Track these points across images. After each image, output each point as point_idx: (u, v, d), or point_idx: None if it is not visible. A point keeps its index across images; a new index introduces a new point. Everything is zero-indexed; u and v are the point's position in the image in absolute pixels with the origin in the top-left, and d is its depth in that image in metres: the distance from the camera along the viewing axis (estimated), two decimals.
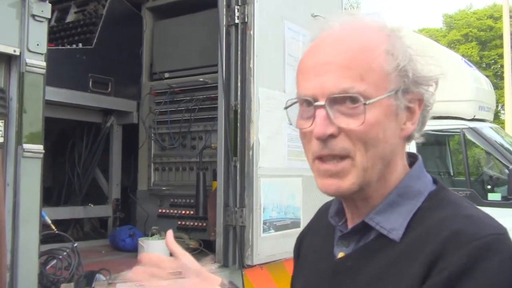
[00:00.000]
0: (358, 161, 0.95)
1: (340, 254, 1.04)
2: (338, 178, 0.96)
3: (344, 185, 0.96)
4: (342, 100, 0.94)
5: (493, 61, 31.54)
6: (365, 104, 0.92)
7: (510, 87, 16.65)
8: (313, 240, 1.19)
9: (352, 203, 1.04)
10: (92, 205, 3.82)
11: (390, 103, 0.95)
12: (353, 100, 0.93)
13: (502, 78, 22.64)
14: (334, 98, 0.94)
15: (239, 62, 3.03)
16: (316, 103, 0.95)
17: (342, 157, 0.96)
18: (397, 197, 0.99)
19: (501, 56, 23.88)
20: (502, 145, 6.70)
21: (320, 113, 0.94)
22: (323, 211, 1.21)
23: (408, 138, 1.01)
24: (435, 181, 1.04)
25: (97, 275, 1.12)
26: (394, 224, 0.97)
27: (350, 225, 1.06)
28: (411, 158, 1.06)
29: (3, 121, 1.99)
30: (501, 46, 21.61)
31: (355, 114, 0.93)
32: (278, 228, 3.10)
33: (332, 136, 0.94)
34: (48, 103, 2.22)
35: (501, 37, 21.65)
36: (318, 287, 1.07)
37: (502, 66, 23.95)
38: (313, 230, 1.23)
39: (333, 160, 0.96)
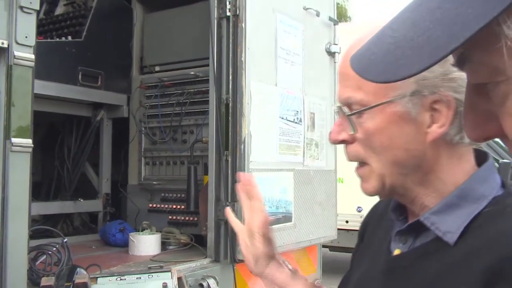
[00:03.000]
0: (373, 166, 0.97)
1: (397, 251, 1.02)
2: (364, 181, 1.00)
3: (368, 188, 0.99)
4: (349, 109, 0.98)
5: None
6: (358, 112, 0.94)
7: None
8: (376, 228, 1.17)
9: (403, 202, 1.03)
10: (82, 200, 3.79)
11: (396, 109, 0.93)
12: (352, 109, 0.97)
13: None
14: (341, 107, 0.98)
15: (230, 55, 3.00)
16: (334, 110, 1.02)
17: (361, 162, 0.99)
18: (457, 199, 0.95)
19: None
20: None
21: (337, 119, 1.01)
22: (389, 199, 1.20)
23: (449, 141, 0.94)
24: (503, 185, 0.98)
25: (78, 269, 1.11)
26: (450, 227, 0.93)
27: (409, 221, 1.03)
28: (482, 158, 1.01)
29: None
30: None
31: (357, 123, 0.95)
32: (270, 223, 3.08)
33: (346, 142, 0.98)
34: (37, 97, 2.19)
35: None
36: (371, 280, 1.05)
37: None
38: (377, 218, 1.20)
39: (359, 164, 1.01)
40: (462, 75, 0.87)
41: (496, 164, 6.18)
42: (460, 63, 0.56)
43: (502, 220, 0.90)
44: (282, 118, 3.28)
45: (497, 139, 0.56)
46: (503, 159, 6.15)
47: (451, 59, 0.53)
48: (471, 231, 0.92)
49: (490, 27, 0.46)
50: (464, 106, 0.60)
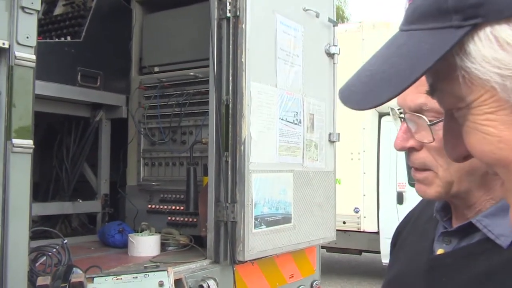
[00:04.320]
0: (440, 175, 0.96)
1: (440, 251, 1.01)
2: (425, 185, 0.99)
3: (430, 192, 0.98)
4: (420, 115, 0.95)
5: None
6: (434, 122, 0.92)
7: None
8: (411, 232, 1.17)
9: (456, 204, 1.02)
10: (80, 201, 3.78)
11: None
12: (426, 115, 0.94)
13: None
14: (412, 113, 0.96)
15: (230, 56, 3.00)
16: (400, 116, 0.98)
17: (425, 169, 0.98)
18: None
19: None
20: None
21: (403, 126, 0.98)
22: (425, 204, 1.19)
23: None
24: None
25: (74, 269, 1.11)
26: (504, 230, 0.92)
27: (454, 223, 1.02)
28: None
29: None
30: None
31: (434, 130, 0.93)
32: (269, 224, 3.08)
33: (414, 149, 0.97)
34: (36, 97, 2.18)
35: None
36: (412, 281, 1.05)
37: None
38: (413, 223, 1.20)
39: (419, 169, 0.99)
40: None
41: None
42: (431, 92, 0.63)
43: None
44: (282, 119, 3.28)
45: None
46: None
47: None
48: None
49: (446, 59, 0.54)
50: (443, 130, 0.66)
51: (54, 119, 3.88)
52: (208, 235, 3.00)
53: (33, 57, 2.09)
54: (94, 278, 1.04)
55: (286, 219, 3.23)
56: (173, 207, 3.58)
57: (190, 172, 3.39)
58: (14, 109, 2.02)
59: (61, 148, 3.91)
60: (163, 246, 3.29)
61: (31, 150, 2.06)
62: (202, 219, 3.19)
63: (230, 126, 2.98)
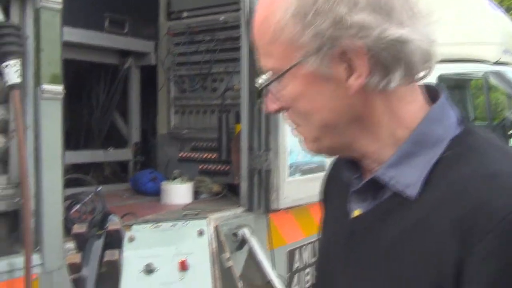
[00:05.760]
0: (303, 133, 0.91)
1: (356, 212, 0.93)
2: (303, 142, 0.93)
3: (308, 148, 0.93)
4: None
5: None
6: (271, 82, 0.87)
7: None
8: (333, 192, 1.08)
9: (357, 158, 0.93)
10: (112, 149, 3.76)
11: (307, 70, 0.84)
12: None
13: None
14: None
15: None
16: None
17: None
18: (412, 147, 0.85)
19: None
20: None
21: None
22: (335, 167, 1.11)
23: (375, 89, 0.84)
24: (461, 122, 0.88)
25: (111, 216, 1.07)
26: (409, 179, 0.84)
27: (365, 179, 0.93)
28: (434, 95, 0.90)
29: (20, 60, 1.88)
30: None
31: (278, 91, 0.88)
32: (304, 172, 3.02)
33: (282, 110, 0.91)
34: (63, 44, 2.10)
35: None
36: (335, 245, 0.97)
37: None
38: (334, 179, 1.10)
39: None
40: (360, 20, 0.79)
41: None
42: None
43: (465, 163, 0.81)
44: None
45: None
46: None
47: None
48: (433, 181, 0.82)
49: None
50: None
51: (82, 68, 3.82)
52: (242, 183, 2.95)
53: None
54: (132, 226, 0.99)
55: (320, 168, 3.15)
56: (205, 155, 3.53)
57: (222, 120, 3.32)
58: (42, 54, 1.95)
59: (90, 97, 3.87)
60: (196, 194, 3.26)
61: (61, 96, 2.01)
62: (235, 167, 3.14)
63: None
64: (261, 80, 0.89)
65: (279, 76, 0.86)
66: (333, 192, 1.09)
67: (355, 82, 0.83)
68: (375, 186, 0.88)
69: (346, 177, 0.97)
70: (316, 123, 0.87)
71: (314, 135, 0.89)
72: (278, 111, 0.91)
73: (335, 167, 1.12)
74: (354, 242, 0.91)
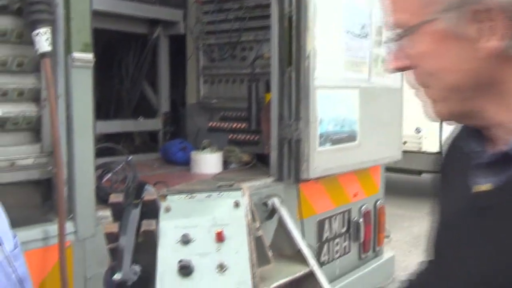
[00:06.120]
0: (431, 95, 0.88)
1: (483, 187, 0.86)
2: (428, 106, 0.90)
3: (434, 111, 0.89)
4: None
5: None
6: (401, 36, 0.85)
7: None
8: (453, 163, 1.03)
9: (484, 127, 0.88)
10: (142, 119, 3.77)
11: (440, 27, 0.80)
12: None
13: None
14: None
15: None
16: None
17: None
18: None
19: None
20: None
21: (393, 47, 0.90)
22: (458, 138, 1.05)
23: (507, 54, 0.79)
24: None
25: (147, 186, 1.06)
26: None
27: (491, 151, 0.87)
28: None
29: (50, 28, 1.86)
30: None
31: (408, 48, 0.86)
32: (334, 142, 2.98)
33: (407, 68, 0.88)
34: (92, 12, 2.08)
35: None
36: (456, 222, 0.92)
37: None
38: (454, 150, 1.06)
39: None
40: None
41: None
42: None
43: None
44: (348, 32, 3.08)
45: None
46: None
47: None
48: None
49: None
50: None
51: (112, 37, 3.80)
52: (272, 153, 2.92)
53: None
54: (167, 196, 0.97)
55: (351, 137, 3.11)
56: (234, 125, 3.51)
57: (251, 89, 3.28)
58: (73, 22, 1.93)
59: (120, 67, 3.86)
60: (225, 163, 3.25)
61: (91, 64, 1.99)
62: (265, 136, 3.11)
63: (294, 40, 2.82)
64: (391, 35, 0.87)
65: (410, 31, 0.83)
66: (453, 163, 1.04)
67: (486, 44, 0.79)
68: (507, 159, 0.82)
69: (471, 148, 0.92)
70: (443, 85, 0.84)
71: (441, 97, 0.86)
72: (402, 69, 0.89)
73: (457, 137, 1.06)
74: (481, 218, 0.85)
